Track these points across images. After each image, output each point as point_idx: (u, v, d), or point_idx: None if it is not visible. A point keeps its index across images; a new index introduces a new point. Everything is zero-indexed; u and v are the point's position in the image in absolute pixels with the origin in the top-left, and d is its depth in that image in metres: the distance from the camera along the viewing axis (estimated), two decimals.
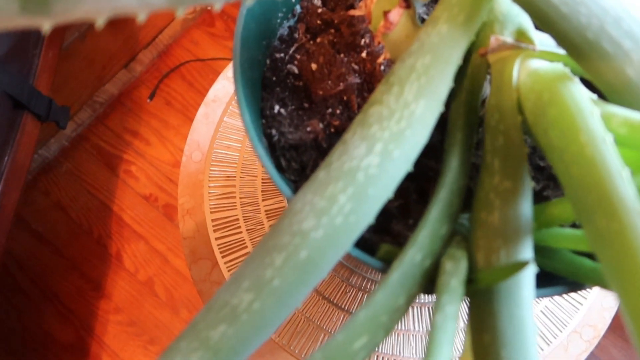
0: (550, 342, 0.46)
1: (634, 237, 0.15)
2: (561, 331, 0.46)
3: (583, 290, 0.42)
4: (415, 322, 0.46)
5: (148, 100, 1.12)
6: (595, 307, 0.47)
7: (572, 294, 0.48)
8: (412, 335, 0.46)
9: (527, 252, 0.21)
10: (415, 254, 0.22)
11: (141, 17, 0.16)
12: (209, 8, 1.26)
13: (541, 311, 0.47)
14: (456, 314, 0.19)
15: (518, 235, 0.22)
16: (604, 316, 0.47)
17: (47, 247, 1.01)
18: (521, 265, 0.19)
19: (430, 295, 0.52)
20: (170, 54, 1.17)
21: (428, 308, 0.47)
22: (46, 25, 0.14)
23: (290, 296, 0.22)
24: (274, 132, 0.31)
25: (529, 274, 0.21)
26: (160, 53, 1.17)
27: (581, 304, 0.47)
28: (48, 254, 1.01)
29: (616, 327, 0.96)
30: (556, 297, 0.48)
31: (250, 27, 0.29)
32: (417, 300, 0.47)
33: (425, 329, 0.46)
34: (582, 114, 0.19)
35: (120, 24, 1.11)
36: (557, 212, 0.21)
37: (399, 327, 0.46)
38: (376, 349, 0.46)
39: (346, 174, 0.23)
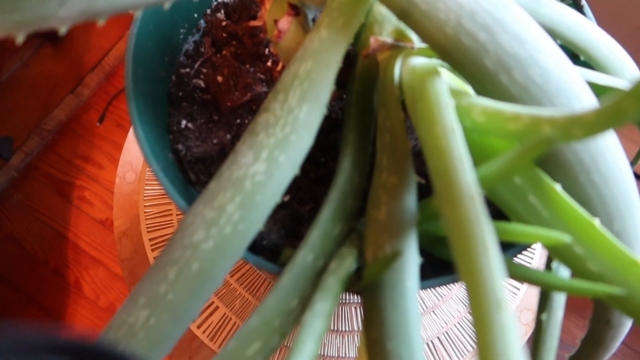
0: None
1: (469, 222, 0.15)
2: None
3: None
4: (360, 322, 0.47)
5: (98, 124, 1.11)
6: (532, 291, 0.48)
7: (510, 280, 0.49)
8: (357, 335, 0.46)
9: (409, 244, 0.22)
10: (306, 256, 0.23)
11: None
12: None
13: None
14: (327, 312, 0.20)
15: (402, 229, 0.22)
16: None
17: (1, 283, 0.99)
18: (394, 256, 0.20)
19: None
20: (117, 75, 1.16)
21: None
22: None
23: (185, 309, 0.22)
24: (180, 146, 0.31)
25: (412, 265, 0.21)
26: (107, 75, 1.16)
27: (518, 289, 0.48)
28: (3, 289, 0.98)
29: (577, 307, 0.98)
30: None
31: (145, 45, 0.29)
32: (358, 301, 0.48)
33: None
34: (439, 107, 0.20)
35: (64, 48, 1.09)
36: (436, 204, 0.22)
37: (344, 329, 0.46)
38: (320, 352, 0.47)
39: (234, 183, 0.23)
